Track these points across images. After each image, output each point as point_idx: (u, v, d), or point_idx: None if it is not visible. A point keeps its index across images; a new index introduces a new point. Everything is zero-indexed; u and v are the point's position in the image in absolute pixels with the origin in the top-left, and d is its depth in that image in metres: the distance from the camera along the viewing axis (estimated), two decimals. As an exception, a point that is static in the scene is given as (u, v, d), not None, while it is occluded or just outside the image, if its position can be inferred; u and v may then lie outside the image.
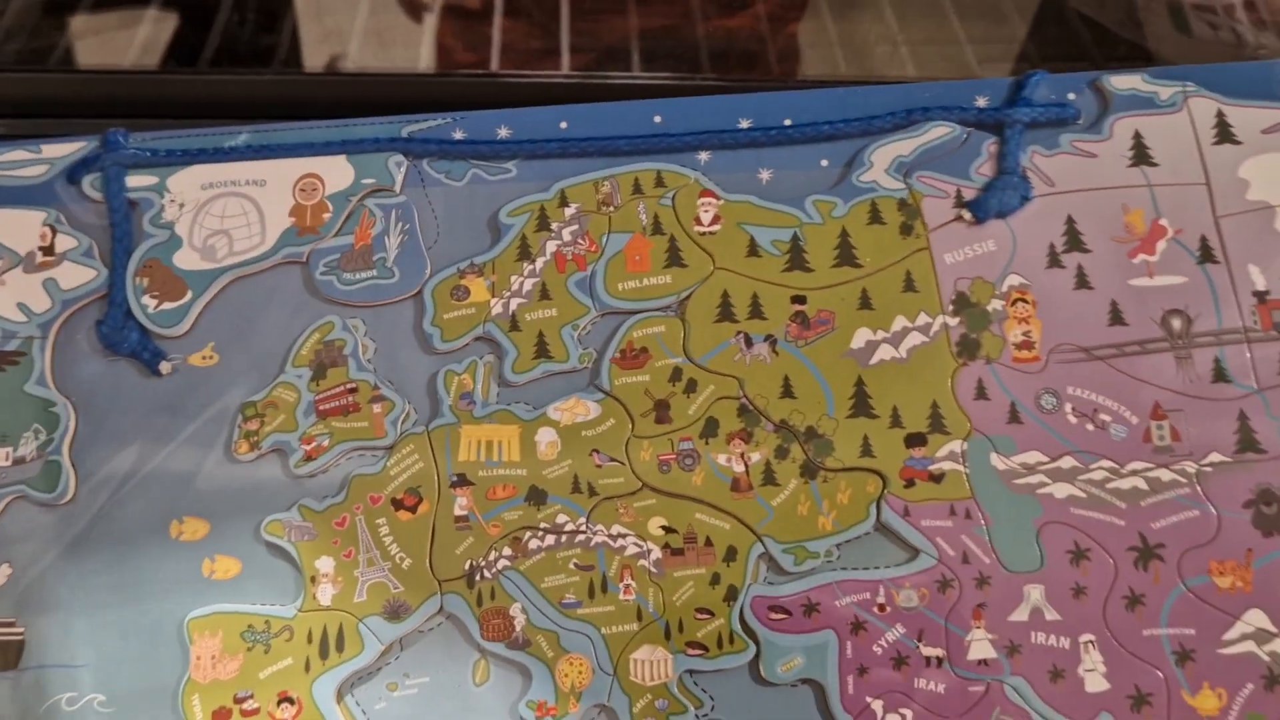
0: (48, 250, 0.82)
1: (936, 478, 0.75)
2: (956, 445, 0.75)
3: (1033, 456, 0.75)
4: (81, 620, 0.75)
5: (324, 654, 0.74)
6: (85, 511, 0.77)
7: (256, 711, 0.73)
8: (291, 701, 0.73)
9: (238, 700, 0.73)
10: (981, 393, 0.76)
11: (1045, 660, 0.72)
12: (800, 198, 0.81)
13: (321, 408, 0.78)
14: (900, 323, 0.78)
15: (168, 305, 0.80)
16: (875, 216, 0.80)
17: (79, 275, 0.81)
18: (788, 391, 0.77)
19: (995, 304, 0.78)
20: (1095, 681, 0.71)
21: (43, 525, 0.77)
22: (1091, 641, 0.71)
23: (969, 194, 0.80)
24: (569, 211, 0.81)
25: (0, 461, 0.78)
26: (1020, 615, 0.73)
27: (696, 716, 0.72)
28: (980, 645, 0.72)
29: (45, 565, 0.76)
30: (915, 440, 0.76)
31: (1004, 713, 0.71)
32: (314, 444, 0.77)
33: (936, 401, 0.76)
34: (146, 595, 0.76)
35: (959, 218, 0.80)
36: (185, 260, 0.81)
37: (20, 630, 0.76)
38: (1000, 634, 0.72)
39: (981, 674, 0.72)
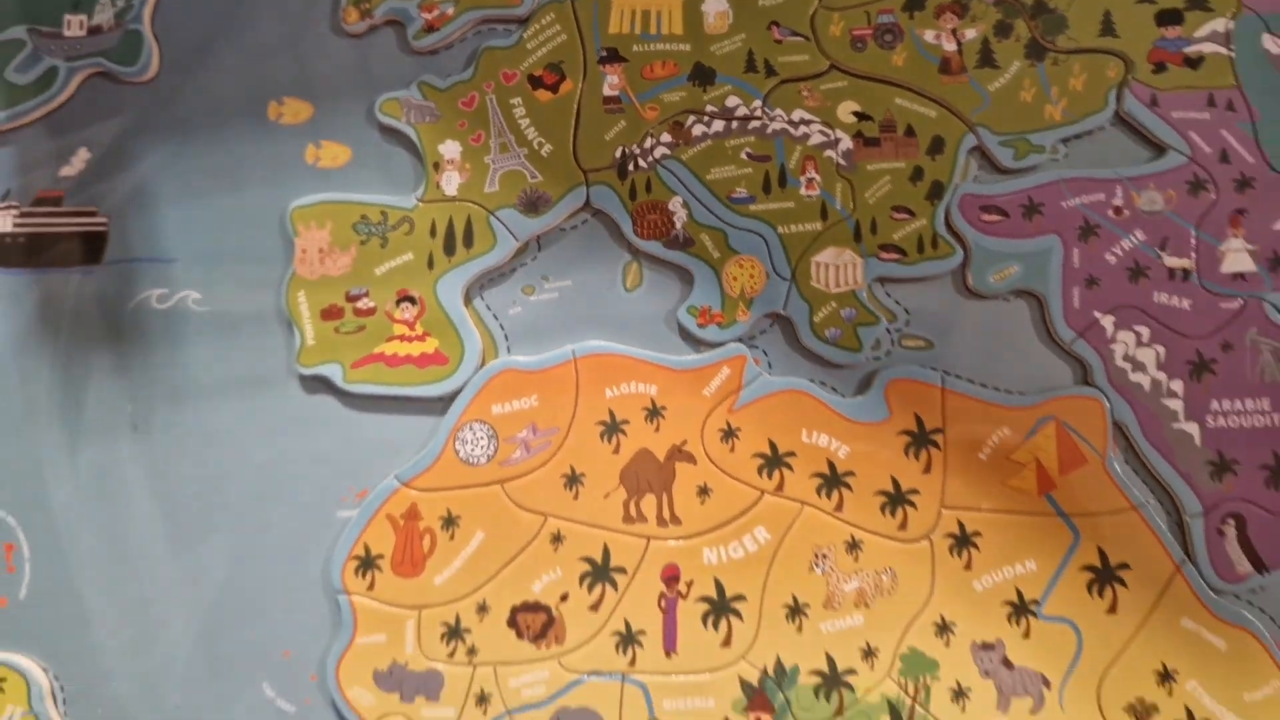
0: None
1: (1193, 62, 0.61)
2: (1220, 24, 0.61)
3: (1315, 40, 0.61)
4: (172, 210, 0.65)
5: (449, 249, 0.63)
6: (171, 89, 0.66)
7: (372, 311, 0.63)
8: (413, 301, 0.63)
9: (350, 298, 0.63)
10: (1255, -37, 0.62)
11: (1318, 275, 0.59)
12: None
13: (445, -30, 0.65)
14: (1154, -120, 0.63)
15: None
16: None
17: None
18: (1012, -43, 0.63)
19: None
20: (1377, 303, 0.59)
21: (124, 104, 0.66)
22: (1376, 257, 0.59)
23: None
24: None
25: (74, 30, 0.67)
26: (1289, 224, 0.60)
27: (888, 330, 0.61)
28: (1237, 257, 0.60)
29: (129, 149, 0.66)
30: (1169, 18, 0.62)
31: (1262, 333, 0.59)
32: (436, 12, 0.65)
33: (1197, -27, 0.62)
34: (244, 183, 0.65)
35: None
36: None
37: (103, 220, 0.66)
38: (1263, 244, 0.60)
39: (1237, 289, 0.60)
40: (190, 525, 0.64)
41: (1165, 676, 0.58)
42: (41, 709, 0.64)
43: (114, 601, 0.64)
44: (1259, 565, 0.58)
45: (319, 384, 0.64)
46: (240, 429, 0.64)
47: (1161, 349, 0.59)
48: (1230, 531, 0.59)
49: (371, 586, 0.62)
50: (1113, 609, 0.59)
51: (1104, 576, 0.59)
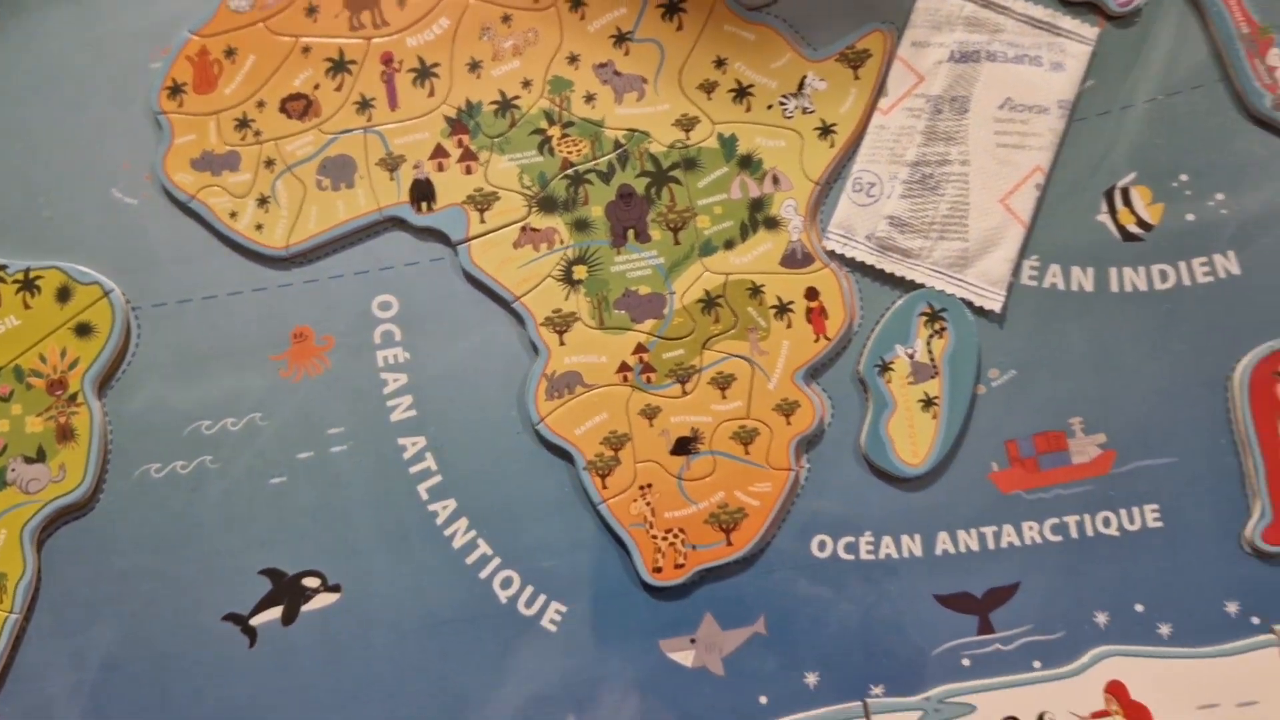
0: None
1: None
2: None
3: None
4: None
5: (205, -121, 0.91)
6: None
7: (157, -73, 0.90)
8: (184, -84, 0.90)
9: (140, -79, 0.90)
10: None
11: None
12: None
13: None
14: None
15: None
16: None
17: None
18: None
19: None
20: None
21: None
22: None
23: None
24: None
25: None
26: None
27: (509, -116, 0.90)
28: None
29: None
30: None
31: None
32: None
33: None
34: None
35: None
36: None
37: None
38: None
39: None
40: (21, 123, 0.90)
41: (720, 63, 0.88)
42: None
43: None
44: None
45: (125, -18, 0.90)
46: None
47: None
48: (746, -33, 0.89)
49: (181, 105, 0.88)
50: (680, 28, 0.89)
51: (671, 9, 0.89)
